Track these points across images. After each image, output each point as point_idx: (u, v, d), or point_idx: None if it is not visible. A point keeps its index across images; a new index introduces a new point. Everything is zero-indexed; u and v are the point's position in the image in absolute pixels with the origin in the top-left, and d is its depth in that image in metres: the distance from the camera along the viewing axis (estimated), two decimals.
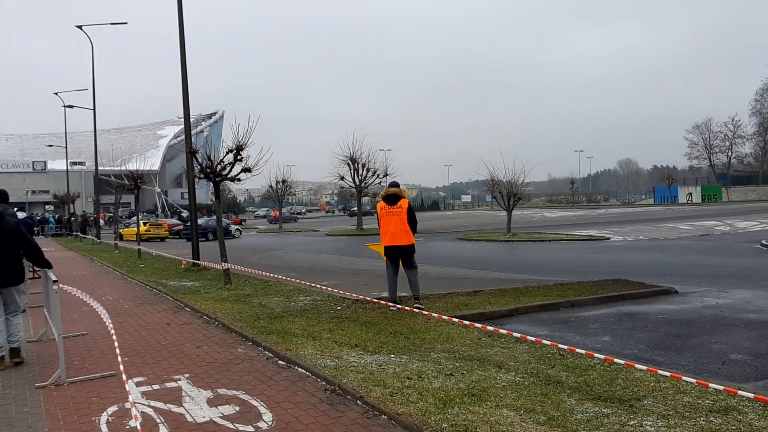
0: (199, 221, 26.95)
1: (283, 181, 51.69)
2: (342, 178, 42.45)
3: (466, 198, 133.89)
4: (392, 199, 9.70)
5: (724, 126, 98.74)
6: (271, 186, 51.74)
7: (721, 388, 3.70)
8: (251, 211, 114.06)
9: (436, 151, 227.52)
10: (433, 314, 8.02)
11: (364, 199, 48.13)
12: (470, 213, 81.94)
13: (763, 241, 20.51)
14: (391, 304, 9.31)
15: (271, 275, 13.60)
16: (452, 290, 11.32)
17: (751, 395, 3.47)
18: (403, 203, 9.65)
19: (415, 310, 8.75)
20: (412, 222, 9.66)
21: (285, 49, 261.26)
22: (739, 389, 3.70)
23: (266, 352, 7.22)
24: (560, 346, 5.58)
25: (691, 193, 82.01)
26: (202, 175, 14.04)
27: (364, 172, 41.08)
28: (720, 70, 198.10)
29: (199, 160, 13.87)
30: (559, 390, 5.26)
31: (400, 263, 9.82)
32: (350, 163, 40.89)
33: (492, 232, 33.05)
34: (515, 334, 6.08)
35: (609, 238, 26.74)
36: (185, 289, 13.22)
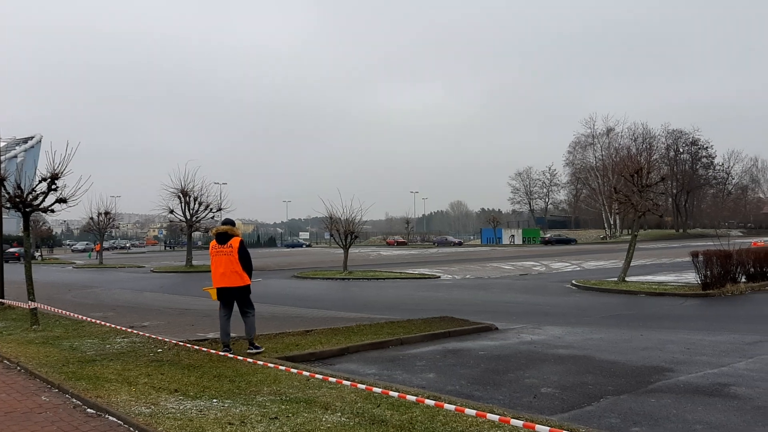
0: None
1: (106, 213, 48.33)
2: (172, 212, 40.48)
3: (305, 235, 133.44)
4: (223, 237, 9.02)
5: (542, 174, 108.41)
6: (92, 218, 48.19)
7: (521, 423, 3.92)
8: (69, 245, 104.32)
9: (274, 187, 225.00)
10: (259, 362, 7.76)
11: (196, 234, 46.08)
12: (308, 250, 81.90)
13: (573, 281, 22.40)
14: (222, 351, 8.68)
15: (85, 316, 12.55)
16: (284, 330, 11.11)
17: (547, 429, 3.73)
18: (234, 242, 8.97)
19: (249, 360, 8.13)
20: (245, 262, 9.01)
21: (111, 81, 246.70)
22: (546, 422, 3.95)
23: (74, 400, 6.62)
24: (377, 389, 5.63)
25: (513, 235, 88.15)
26: (10, 205, 12.74)
27: (196, 205, 39.49)
28: (529, 125, 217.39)
29: (8, 188, 12.60)
30: (383, 430, 5.28)
31: (235, 304, 9.17)
32: (181, 196, 39.09)
33: (329, 269, 33.18)
34: (345, 383, 6.02)
35: (439, 277, 27.86)
36: None
